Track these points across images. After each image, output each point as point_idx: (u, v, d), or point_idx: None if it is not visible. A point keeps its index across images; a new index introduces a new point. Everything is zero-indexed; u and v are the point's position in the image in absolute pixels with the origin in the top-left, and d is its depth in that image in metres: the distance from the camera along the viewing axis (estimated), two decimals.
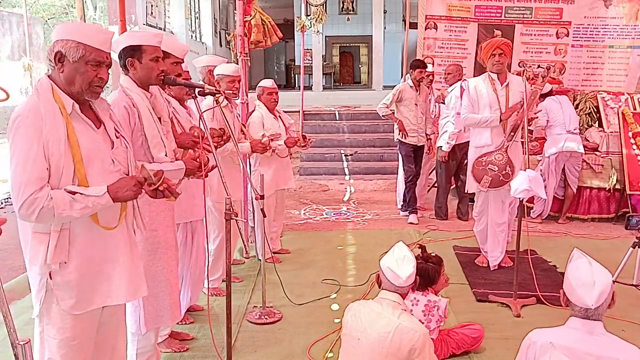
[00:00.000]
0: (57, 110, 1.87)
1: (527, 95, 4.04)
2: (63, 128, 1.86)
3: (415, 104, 5.92)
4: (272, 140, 4.52)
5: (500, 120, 4.19)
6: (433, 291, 3.05)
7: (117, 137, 2.06)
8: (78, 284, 1.93)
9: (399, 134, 5.95)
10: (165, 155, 2.57)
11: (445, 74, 6.07)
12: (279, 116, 4.76)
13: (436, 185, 6.73)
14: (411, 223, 5.95)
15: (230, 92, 3.97)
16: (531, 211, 5.94)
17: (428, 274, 2.96)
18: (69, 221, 1.88)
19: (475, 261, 4.58)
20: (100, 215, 1.95)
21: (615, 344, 1.93)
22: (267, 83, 4.70)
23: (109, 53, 1.99)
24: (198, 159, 2.65)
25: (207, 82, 4.07)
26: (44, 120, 1.83)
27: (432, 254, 3.09)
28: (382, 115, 6.02)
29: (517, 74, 4.39)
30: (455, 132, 5.72)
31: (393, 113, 6.01)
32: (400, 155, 6.14)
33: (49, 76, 1.94)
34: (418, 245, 3.21)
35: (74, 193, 1.84)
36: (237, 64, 4.61)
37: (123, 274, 2.03)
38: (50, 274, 1.90)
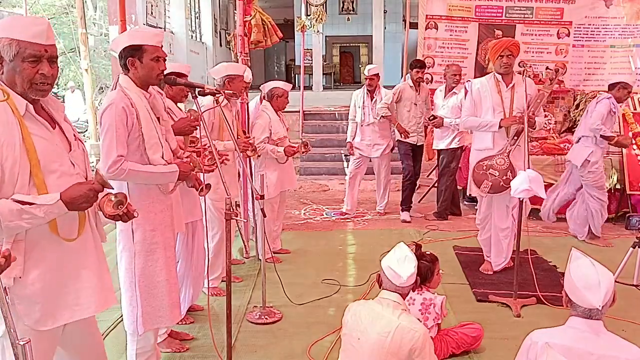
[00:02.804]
0: (8, 111, 1.73)
1: (527, 97, 4.02)
2: (17, 130, 1.72)
3: (415, 104, 5.94)
4: (277, 144, 4.54)
5: (500, 127, 4.08)
6: (428, 289, 3.06)
7: (75, 139, 1.94)
8: (41, 297, 1.80)
9: (401, 136, 5.96)
10: (163, 156, 2.55)
11: (452, 74, 5.86)
12: (282, 118, 4.78)
13: (436, 185, 6.72)
14: (404, 221, 5.98)
15: (231, 91, 3.96)
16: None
17: (420, 272, 2.96)
18: (21, 231, 1.74)
19: (481, 269, 4.44)
20: (60, 226, 1.83)
21: (617, 343, 1.93)
22: (282, 85, 4.69)
23: (50, 45, 1.80)
24: (191, 163, 2.65)
25: (226, 89, 3.98)
26: None
27: (427, 253, 3.08)
28: (382, 116, 6.01)
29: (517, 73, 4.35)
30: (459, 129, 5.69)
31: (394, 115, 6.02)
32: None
33: None
34: (414, 244, 3.21)
35: (23, 203, 1.69)
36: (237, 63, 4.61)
37: (90, 285, 1.93)
38: (6, 290, 1.71)
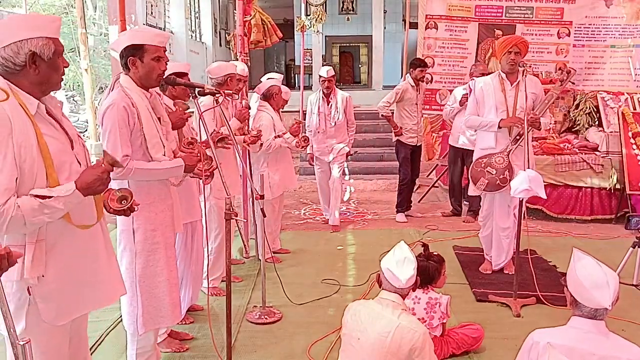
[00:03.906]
0: (22, 113, 1.72)
1: (527, 97, 4.01)
2: (31, 131, 1.72)
3: (415, 104, 5.92)
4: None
5: (499, 127, 4.04)
6: (433, 289, 3.07)
7: (76, 137, 1.95)
8: (59, 293, 1.84)
9: (400, 135, 5.95)
10: (164, 156, 2.56)
11: (479, 74, 5.56)
12: (281, 116, 4.79)
13: (436, 185, 6.73)
14: (399, 222, 5.97)
15: (231, 91, 3.96)
16: None
17: (428, 273, 2.98)
18: (43, 225, 1.77)
19: (480, 269, 4.43)
20: (74, 215, 1.84)
21: (619, 344, 1.93)
22: (275, 81, 4.71)
23: None
24: (198, 154, 2.65)
25: (227, 87, 3.96)
26: (13, 124, 1.68)
27: (434, 253, 3.09)
28: (382, 115, 5.96)
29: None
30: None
31: (392, 114, 5.99)
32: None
33: (2, 76, 1.78)
34: (421, 243, 3.22)
35: (41, 197, 1.70)
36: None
37: (103, 277, 1.97)
38: (28, 289, 1.79)
